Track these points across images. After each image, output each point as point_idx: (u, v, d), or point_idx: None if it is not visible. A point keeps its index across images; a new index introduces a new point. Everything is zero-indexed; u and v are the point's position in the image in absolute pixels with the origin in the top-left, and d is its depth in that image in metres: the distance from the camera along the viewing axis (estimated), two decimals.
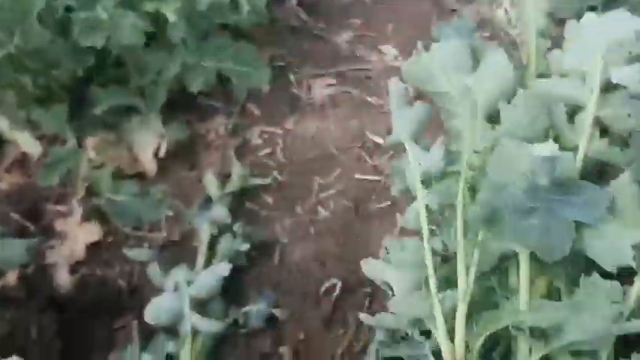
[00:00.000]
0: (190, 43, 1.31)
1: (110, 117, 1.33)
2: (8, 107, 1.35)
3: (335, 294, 1.07)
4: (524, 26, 0.96)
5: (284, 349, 1.00)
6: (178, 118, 1.38)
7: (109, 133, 1.35)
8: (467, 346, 0.71)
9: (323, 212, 1.24)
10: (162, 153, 1.33)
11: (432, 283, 0.75)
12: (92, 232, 1.19)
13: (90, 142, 1.30)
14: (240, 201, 1.27)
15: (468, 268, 0.73)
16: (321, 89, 1.51)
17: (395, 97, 0.84)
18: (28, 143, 1.37)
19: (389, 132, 1.33)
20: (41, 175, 1.27)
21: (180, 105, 1.42)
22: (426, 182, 0.79)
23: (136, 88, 1.32)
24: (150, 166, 1.32)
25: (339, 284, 1.08)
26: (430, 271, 0.75)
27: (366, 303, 1.06)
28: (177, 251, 1.18)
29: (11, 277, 1.11)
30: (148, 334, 1.02)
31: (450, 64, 0.81)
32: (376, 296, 1.08)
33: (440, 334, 0.72)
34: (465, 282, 0.73)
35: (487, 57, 0.79)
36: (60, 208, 1.27)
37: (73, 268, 1.15)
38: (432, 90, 0.84)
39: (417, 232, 1.08)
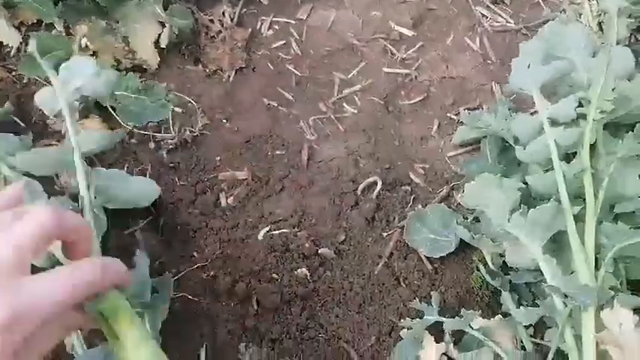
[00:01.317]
0: None
1: (103, 1, 1.15)
2: None
3: (375, 192, 0.99)
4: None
5: (324, 251, 0.92)
6: (178, 4, 1.22)
7: (101, 19, 1.18)
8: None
9: (350, 109, 1.13)
10: (164, 43, 1.18)
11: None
12: (95, 130, 1.05)
13: (79, 29, 1.13)
14: (257, 98, 1.15)
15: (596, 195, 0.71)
16: None
17: (528, 47, 0.80)
18: (4, 32, 1.18)
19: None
20: (24, 66, 1.11)
21: None
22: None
23: None
24: (150, 57, 1.17)
25: (380, 182, 0.99)
26: (562, 191, 0.71)
27: (410, 201, 0.98)
28: (187, 155, 1.06)
29: None
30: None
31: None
32: (417, 194, 1.01)
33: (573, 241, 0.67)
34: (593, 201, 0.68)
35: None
36: None
37: None
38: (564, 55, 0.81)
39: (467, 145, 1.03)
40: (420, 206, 0.97)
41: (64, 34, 1.15)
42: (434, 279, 0.89)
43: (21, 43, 1.19)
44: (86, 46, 1.12)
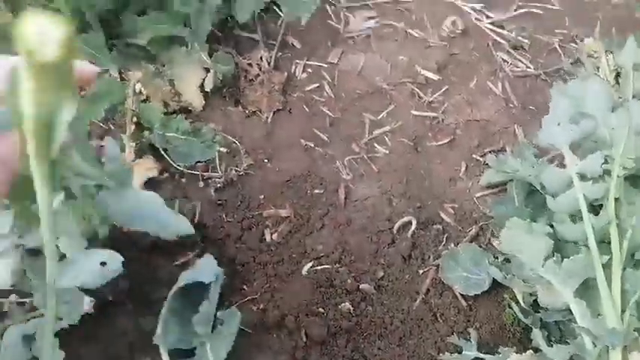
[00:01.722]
0: None
1: (152, 47, 1.24)
2: None
3: (410, 231, 1.07)
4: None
5: (365, 286, 1.00)
6: (220, 51, 1.31)
7: (150, 64, 1.27)
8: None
9: (381, 149, 1.22)
10: (208, 87, 1.26)
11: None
12: (149, 169, 1.13)
13: (133, 75, 1.22)
14: (295, 138, 1.23)
15: (621, 244, 0.76)
16: (360, 22, 1.45)
17: (556, 105, 0.84)
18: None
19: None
20: (87, 106, 1.20)
21: (220, 38, 1.35)
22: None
23: (178, 17, 1.23)
24: (196, 100, 1.26)
25: (414, 221, 1.07)
26: (592, 242, 0.77)
27: (443, 240, 1.06)
28: (233, 193, 1.15)
29: None
30: None
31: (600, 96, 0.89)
32: (449, 233, 1.09)
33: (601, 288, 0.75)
34: (619, 250, 0.76)
35: None
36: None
37: None
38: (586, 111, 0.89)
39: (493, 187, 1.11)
40: (452, 245, 1.05)
41: (118, 78, 1.24)
42: (469, 315, 0.97)
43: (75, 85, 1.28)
44: (140, 91, 1.20)
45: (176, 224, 0.99)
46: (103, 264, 0.80)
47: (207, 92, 1.27)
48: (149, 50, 1.25)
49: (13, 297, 1.00)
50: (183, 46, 1.26)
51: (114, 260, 0.82)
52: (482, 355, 0.84)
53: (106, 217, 0.73)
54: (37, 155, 0.31)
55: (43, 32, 0.28)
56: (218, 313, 0.90)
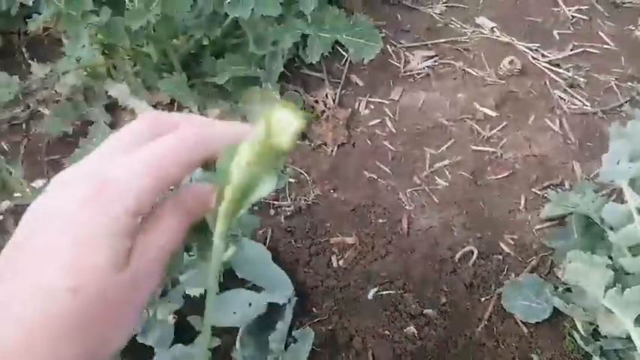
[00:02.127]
0: (308, 15, 1.33)
1: (229, 86, 1.36)
2: (127, 75, 1.38)
3: (471, 261, 1.12)
4: None
5: (429, 312, 1.06)
6: (289, 90, 1.41)
7: (225, 101, 1.38)
8: None
9: (441, 182, 1.28)
10: None
11: None
12: None
13: (212, 112, 1.33)
14: (359, 170, 1.31)
15: None
16: (420, 61, 1.54)
17: (615, 144, 0.92)
18: (144, 111, 1.40)
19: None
20: None
21: (288, 77, 1.45)
22: None
23: (255, 59, 1.34)
24: None
25: (476, 251, 1.13)
26: None
27: (504, 270, 1.11)
28: (302, 221, 1.23)
29: None
30: None
31: None
32: (509, 263, 1.13)
33: None
34: None
35: None
36: None
37: None
38: None
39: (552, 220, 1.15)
40: (512, 275, 1.09)
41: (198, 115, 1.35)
42: (530, 342, 1.01)
43: None
44: None
45: (278, 280, 1.06)
46: (250, 304, 0.90)
47: None
48: (225, 89, 1.37)
49: None
50: (257, 85, 1.37)
51: (258, 301, 0.92)
52: None
53: (228, 262, 0.82)
54: (226, 215, 0.35)
55: (286, 123, 0.32)
56: (293, 332, 0.97)
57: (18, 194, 0.87)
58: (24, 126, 1.41)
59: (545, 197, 1.21)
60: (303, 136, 1.39)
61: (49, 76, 1.35)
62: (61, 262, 0.30)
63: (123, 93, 1.41)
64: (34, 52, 1.57)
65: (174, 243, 0.35)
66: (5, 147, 1.35)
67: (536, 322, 1.00)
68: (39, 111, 1.45)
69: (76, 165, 0.35)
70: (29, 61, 1.55)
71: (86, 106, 1.38)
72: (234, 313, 0.94)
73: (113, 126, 1.39)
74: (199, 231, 0.37)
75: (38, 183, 1.26)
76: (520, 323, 1.03)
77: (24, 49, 1.58)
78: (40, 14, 1.24)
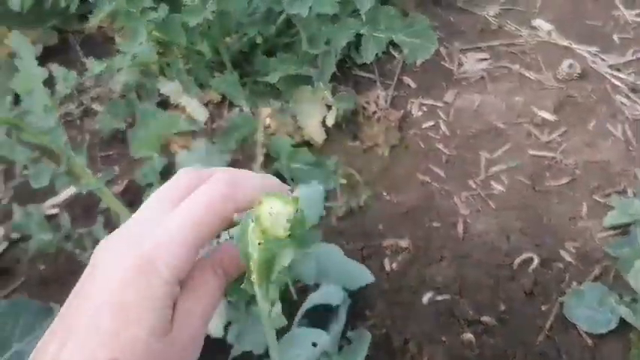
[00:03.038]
0: (363, 14, 1.32)
1: (280, 85, 1.35)
2: (180, 73, 1.38)
3: (531, 268, 1.08)
4: None
5: (486, 319, 1.02)
6: (341, 90, 1.40)
7: (276, 101, 1.37)
8: None
9: (497, 187, 1.24)
10: (330, 122, 1.35)
11: None
12: None
13: (264, 111, 1.33)
14: (412, 172, 1.28)
15: None
16: (474, 63, 1.50)
17: None
18: (195, 109, 1.40)
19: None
20: (220, 140, 1.31)
21: (339, 77, 1.44)
22: None
23: (307, 58, 1.33)
24: (317, 134, 1.34)
25: (537, 258, 1.09)
26: None
27: (566, 278, 1.07)
28: (353, 222, 1.20)
29: None
30: None
31: None
32: (571, 272, 1.09)
33: None
34: None
35: None
36: None
37: None
38: None
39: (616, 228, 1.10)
40: (574, 283, 1.05)
41: (250, 113, 1.35)
42: (594, 353, 0.96)
43: (208, 118, 1.40)
44: (269, 125, 1.30)
45: (360, 274, 1.04)
46: (314, 344, 0.88)
47: (327, 127, 1.35)
48: (276, 88, 1.36)
49: None
50: (309, 84, 1.36)
51: (323, 339, 0.90)
52: None
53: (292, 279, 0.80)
54: (259, 284, 0.35)
55: (277, 213, 0.33)
56: (349, 334, 0.95)
57: (83, 181, 0.87)
58: (78, 122, 1.43)
59: (608, 205, 1.16)
60: (354, 137, 1.37)
61: (103, 73, 1.36)
62: (102, 336, 0.30)
63: (175, 91, 1.42)
64: (88, 49, 1.59)
65: (215, 306, 0.36)
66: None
67: (601, 334, 0.96)
68: (92, 108, 1.47)
69: (123, 228, 0.35)
70: (83, 59, 1.58)
71: (139, 104, 1.39)
72: (298, 356, 0.92)
73: None
74: (238, 284, 0.37)
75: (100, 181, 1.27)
76: (583, 334, 0.99)
77: (78, 47, 1.61)
78: (95, 12, 1.26)
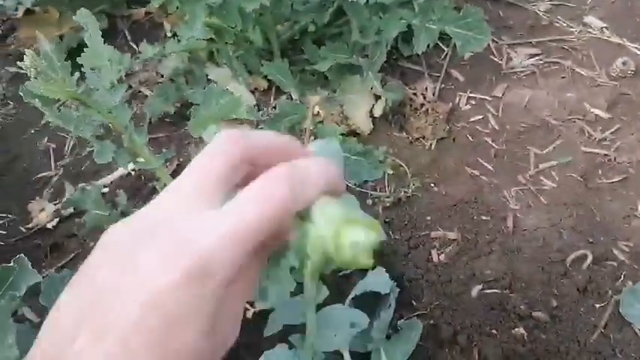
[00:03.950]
0: (415, 4, 1.30)
1: (330, 74, 1.35)
2: (230, 60, 1.39)
3: (585, 265, 1.06)
4: None
5: (539, 314, 1.00)
6: (390, 81, 1.39)
7: (324, 90, 1.37)
8: None
9: (548, 183, 1.22)
10: (377, 113, 1.34)
11: None
12: None
13: (313, 99, 1.32)
14: (460, 165, 1.27)
15: None
16: (523, 58, 1.48)
17: None
18: (243, 96, 1.40)
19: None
20: (268, 125, 1.31)
21: (386, 69, 1.43)
22: None
23: (357, 48, 1.33)
24: (364, 124, 1.34)
25: (590, 255, 1.06)
26: None
27: (621, 276, 1.04)
28: (400, 213, 1.20)
29: None
30: None
31: None
32: (625, 271, 1.06)
33: None
34: None
35: None
36: None
37: None
38: None
39: None
40: (630, 282, 1.02)
41: (299, 101, 1.35)
42: None
43: (255, 105, 1.41)
44: (318, 113, 1.30)
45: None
46: (352, 325, 0.87)
47: (374, 118, 1.35)
48: (325, 77, 1.36)
49: None
50: (357, 74, 1.35)
51: (362, 319, 0.89)
52: None
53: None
54: (311, 276, 0.34)
55: (361, 245, 0.30)
56: (399, 323, 0.94)
57: (141, 159, 0.88)
58: (126, 106, 1.44)
59: None
60: (401, 128, 1.36)
61: (154, 58, 1.38)
62: (148, 337, 0.28)
63: (223, 77, 1.42)
64: (136, 35, 1.61)
65: (256, 284, 0.33)
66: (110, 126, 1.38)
67: None
68: (140, 91, 1.48)
69: (153, 215, 0.31)
70: (131, 44, 1.60)
71: (187, 88, 1.40)
72: (335, 335, 0.91)
73: None
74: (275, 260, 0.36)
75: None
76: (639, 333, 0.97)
77: (127, 32, 1.63)
78: None
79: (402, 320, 0.95)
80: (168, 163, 1.27)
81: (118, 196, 1.04)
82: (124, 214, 0.99)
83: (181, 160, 1.27)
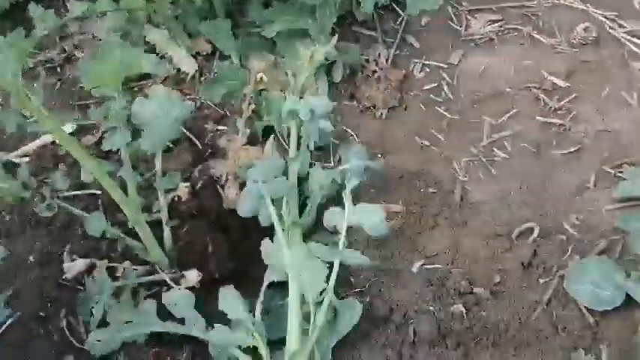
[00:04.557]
0: None
1: (277, 39, 1.26)
2: (168, 20, 1.30)
3: (531, 238, 1.01)
4: None
5: (479, 290, 0.95)
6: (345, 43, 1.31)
7: (270, 54, 1.29)
8: None
9: (500, 154, 1.16)
10: (337, 78, 1.27)
11: None
12: (256, 157, 1.13)
13: (257, 64, 1.24)
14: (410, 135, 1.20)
15: None
16: (483, 25, 1.41)
17: None
18: (183, 59, 1.32)
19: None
20: (204, 90, 1.23)
21: (338, 34, 1.34)
22: None
23: (305, 10, 1.24)
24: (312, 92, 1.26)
25: (537, 228, 1.01)
26: None
27: (568, 251, 0.99)
28: None
29: (182, 192, 1.08)
30: None
31: None
32: (574, 245, 1.01)
33: None
34: None
35: None
36: (220, 127, 1.23)
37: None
38: None
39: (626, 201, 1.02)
40: (577, 257, 0.97)
41: (240, 66, 1.26)
42: (596, 332, 0.89)
43: (196, 70, 1.32)
44: (261, 79, 1.22)
45: None
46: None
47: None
48: (272, 41, 1.27)
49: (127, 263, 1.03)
50: (306, 38, 1.27)
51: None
52: None
53: None
54: None
55: None
56: (336, 303, 0.88)
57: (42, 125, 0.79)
58: (59, 69, 1.35)
59: (618, 176, 1.08)
60: (351, 96, 1.29)
61: (86, 15, 1.28)
62: None
63: (161, 39, 1.33)
64: None
65: None
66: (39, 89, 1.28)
67: (605, 311, 0.88)
68: (74, 55, 1.38)
69: None
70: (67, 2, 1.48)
71: None
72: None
73: None
74: None
75: (67, 127, 1.19)
76: (584, 310, 0.91)
77: None
78: None
79: (340, 300, 0.88)
80: (94, 131, 1.18)
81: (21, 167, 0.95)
82: (25, 186, 0.91)
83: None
